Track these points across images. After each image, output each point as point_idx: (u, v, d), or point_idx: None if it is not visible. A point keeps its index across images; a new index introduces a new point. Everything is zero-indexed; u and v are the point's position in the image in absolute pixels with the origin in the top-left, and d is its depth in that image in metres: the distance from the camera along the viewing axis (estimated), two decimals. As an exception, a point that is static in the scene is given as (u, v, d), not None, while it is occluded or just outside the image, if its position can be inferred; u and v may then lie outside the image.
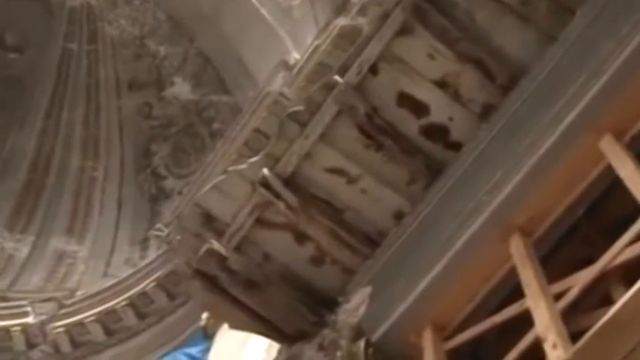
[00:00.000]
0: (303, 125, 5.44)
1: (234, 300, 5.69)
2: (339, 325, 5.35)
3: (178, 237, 5.80)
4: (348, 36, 5.77)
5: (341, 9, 6.38)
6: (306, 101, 5.44)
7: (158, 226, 10.74)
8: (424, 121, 5.40)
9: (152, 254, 11.18)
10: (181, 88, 12.38)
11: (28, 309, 11.12)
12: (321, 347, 5.42)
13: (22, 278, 11.87)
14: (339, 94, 5.28)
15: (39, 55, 12.76)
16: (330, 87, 5.36)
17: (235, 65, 11.64)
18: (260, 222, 5.63)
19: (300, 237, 5.64)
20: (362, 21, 5.79)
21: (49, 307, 11.10)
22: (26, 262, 12.03)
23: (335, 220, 5.53)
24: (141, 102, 12.65)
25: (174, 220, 10.48)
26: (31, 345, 11.10)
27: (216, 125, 12.04)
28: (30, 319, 11.03)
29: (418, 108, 5.37)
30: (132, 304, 10.77)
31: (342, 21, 6.03)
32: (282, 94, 7.12)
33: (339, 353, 4.95)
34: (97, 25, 12.67)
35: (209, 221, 5.70)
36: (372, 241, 5.58)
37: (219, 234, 5.68)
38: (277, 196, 5.44)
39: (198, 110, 12.30)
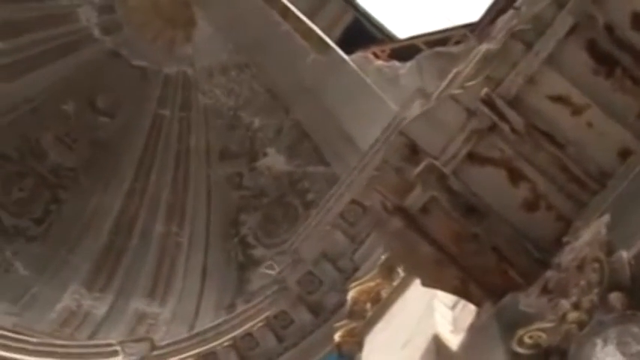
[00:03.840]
0: (529, 45, 5.01)
1: (436, 245, 5.08)
2: (565, 265, 4.71)
3: (375, 172, 5.23)
4: (492, 59, 5.36)
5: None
6: (533, 20, 5.04)
7: (269, 263, 10.10)
8: (660, 44, 4.97)
9: (240, 318, 10.39)
10: (275, 159, 12.01)
11: (118, 348, 10.21)
12: (544, 291, 4.74)
13: (99, 335, 11.07)
14: (576, 4, 4.88)
15: (130, 119, 12.53)
16: (562, 3, 4.97)
17: (336, 136, 11.35)
18: (472, 156, 5.07)
19: (515, 176, 5.03)
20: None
21: (141, 347, 10.19)
22: (104, 320, 11.29)
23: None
24: (231, 172, 12.26)
25: (289, 255, 9.95)
26: (117, 388, 10.15)
27: (310, 196, 11.58)
28: (119, 359, 10.11)
29: (655, 29, 4.96)
30: (235, 345, 9.88)
31: (484, 47, 5.73)
32: (419, 120, 6.70)
33: (595, 265, 4.27)
34: (192, 93, 12.51)
35: (413, 154, 5.16)
36: (595, 180, 5.03)
37: (424, 170, 5.12)
38: (501, 117, 4.93)
39: (292, 181, 11.88)
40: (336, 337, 7.60)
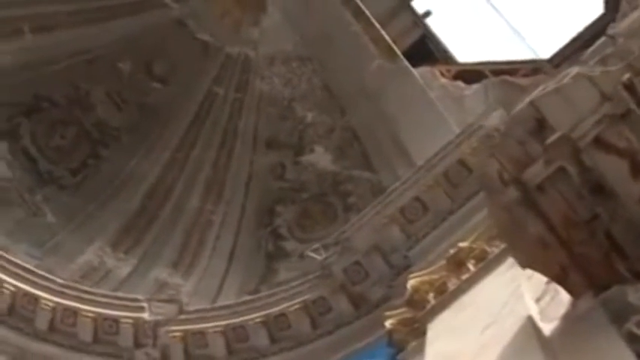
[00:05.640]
0: (678, 40, 4.87)
1: (547, 226, 4.88)
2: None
3: (495, 141, 5.04)
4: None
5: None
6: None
7: (316, 246, 9.82)
8: None
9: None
10: (321, 157, 11.78)
11: (145, 305, 9.91)
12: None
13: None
14: None
15: (183, 90, 12.31)
16: None
17: (389, 145, 11.13)
18: (598, 141, 4.89)
19: (638, 169, 4.89)
20: (598, 69, 5.34)
21: (169, 308, 9.87)
22: (124, 282, 10.97)
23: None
24: (275, 161, 12.04)
25: (338, 244, 9.69)
26: (138, 344, 9.76)
27: (352, 199, 11.34)
28: (145, 315, 9.79)
29: None
30: (266, 323, 9.57)
31: (576, 69, 5.59)
32: (497, 130, 6.56)
33: None
34: (250, 76, 12.32)
35: (540, 129, 4.97)
36: None
37: (547, 148, 4.93)
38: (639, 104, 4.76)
39: (335, 182, 11.63)
40: (388, 324, 7.36)
